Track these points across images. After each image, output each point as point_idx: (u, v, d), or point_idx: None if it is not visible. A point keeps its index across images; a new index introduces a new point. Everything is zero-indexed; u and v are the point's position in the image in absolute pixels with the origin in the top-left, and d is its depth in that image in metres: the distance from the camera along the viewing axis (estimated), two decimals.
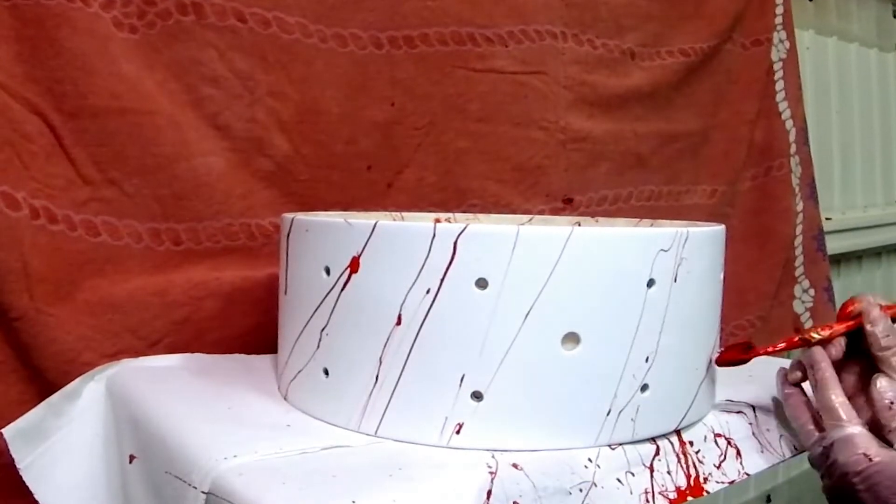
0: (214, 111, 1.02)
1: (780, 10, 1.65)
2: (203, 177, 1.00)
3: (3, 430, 0.85)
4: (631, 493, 0.68)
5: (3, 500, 0.89)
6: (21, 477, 0.85)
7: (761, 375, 0.92)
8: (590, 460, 0.67)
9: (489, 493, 0.62)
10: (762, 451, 0.78)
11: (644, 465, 0.70)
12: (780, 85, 1.65)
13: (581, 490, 0.66)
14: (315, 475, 0.63)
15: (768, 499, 1.97)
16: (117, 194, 0.96)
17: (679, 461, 0.72)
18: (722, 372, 0.82)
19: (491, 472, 0.64)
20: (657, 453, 0.71)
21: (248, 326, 1.03)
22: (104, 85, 0.94)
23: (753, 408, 0.81)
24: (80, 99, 0.93)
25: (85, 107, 0.93)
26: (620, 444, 0.70)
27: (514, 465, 0.65)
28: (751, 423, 0.79)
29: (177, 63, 0.99)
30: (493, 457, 0.66)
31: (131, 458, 0.78)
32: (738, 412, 0.80)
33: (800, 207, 1.69)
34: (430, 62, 1.17)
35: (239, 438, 0.70)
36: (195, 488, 0.64)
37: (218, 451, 0.66)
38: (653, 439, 0.72)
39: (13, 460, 0.85)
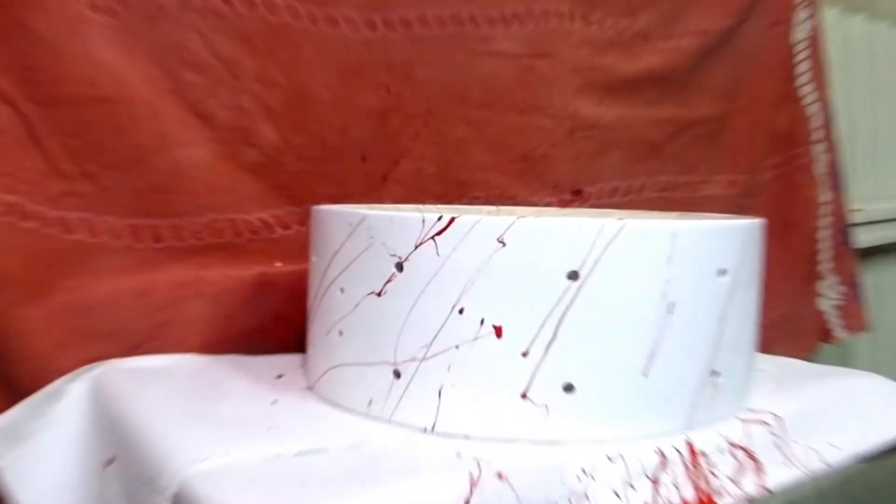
0: (197, 99, 1.01)
1: None
2: (185, 169, 1.00)
3: None
4: None
5: None
6: None
7: (789, 382, 0.92)
8: (583, 471, 0.67)
9: (467, 502, 0.62)
10: (788, 465, 0.78)
11: (647, 476, 0.70)
12: (803, 67, 1.65)
13: (570, 502, 0.66)
14: (285, 480, 0.64)
15: None
16: (94, 188, 0.96)
17: (688, 473, 0.71)
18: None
19: (472, 482, 0.63)
20: (663, 464, 0.71)
21: (236, 329, 1.03)
22: (79, 72, 0.93)
23: (779, 417, 0.80)
24: (54, 87, 0.92)
25: (59, 95, 0.93)
26: (620, 456, 0.70)
27: (499, 475, 0.65)
28: (774, 434, 0.79)
29: (157, 48, 0.99)
30: (478, 465, 0.66)
31: (110, 460, 0.79)
32: (762, 422, 0.79)
33: (826, 198, 1.69)
34: (428, 45, 1.17)
35: (214, 441, 0.70)
36: (163, 489, 0.65)
37: (190, 453, 0.67)
38: (659, 449, 0.72)
39: None
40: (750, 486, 0.72)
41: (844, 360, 2.12)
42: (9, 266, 0.90)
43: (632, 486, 0.68)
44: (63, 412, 0.88)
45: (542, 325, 0.70)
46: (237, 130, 1.04)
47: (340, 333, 0.80)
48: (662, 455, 0.70)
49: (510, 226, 0.70)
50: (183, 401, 0.83)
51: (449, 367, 0.72)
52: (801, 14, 1.64)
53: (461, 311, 0.71)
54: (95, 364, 0.92)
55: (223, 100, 1.03)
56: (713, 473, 0.71)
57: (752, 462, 0.74)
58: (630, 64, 1.38)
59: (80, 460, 0.86)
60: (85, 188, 0.95)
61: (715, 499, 0.70)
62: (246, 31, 1.03)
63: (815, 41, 1.67)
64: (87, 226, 0.96)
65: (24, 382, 0.90)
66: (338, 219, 0.80)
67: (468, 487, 0.63)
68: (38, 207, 0.93)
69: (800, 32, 1.64)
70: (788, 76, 1.63)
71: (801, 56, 1.65)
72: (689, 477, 0.70)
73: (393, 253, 0.74)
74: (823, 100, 1.68)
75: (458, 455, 0.68)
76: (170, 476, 0.66)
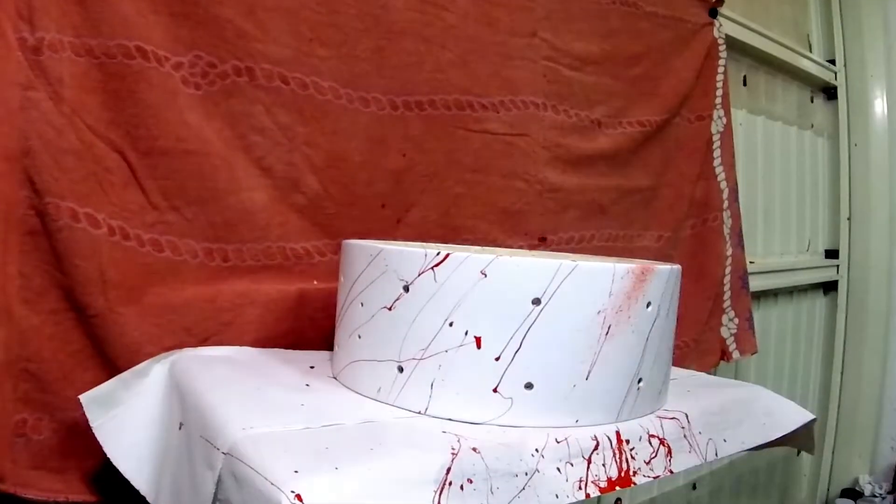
0: (260, 155, 1.01)
1: (719, 92, 1.65)
2: (249, 207, 1.00)
3: (80, 396, 0.83)
4: (567, 480, 0.67)
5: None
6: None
7: (695, 389, 0.91)
8: (536, 450, 0.67)
9: (448, 469, 0.62)
10: (689, 452, 0.77)
11: (583, 457, 0.69)
12: (717, 153, 1.65)
13: (526, 474, 0.65)
14: (312, 445, 0.63)
15: (694, 486, 1.96)
16: (179, 219, 0.95)
17: (614, 455, 0.71)
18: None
19: (453, 453, 0.63)
20: (596, 447, 0.71)
21: (280, 330, 1.02)
22: (172, 130, 0.93)
23: (687, 415, 0.80)
24: (152, 141, 0.92)
25: (155, 147, 0.93)
26: (565, 440, 0.69)
27: (473, 449, 0.64)
28: (683, 428, 0.78)
29: (231, 115, 0.98)
30: (458, 441, 0.65)
31: (180, 425, 0.78)
32: (674, 419, 0.79)
33: (729, 252, 1.68)
34: (435, 123, 1.17)
35: (259, 413, 0.70)
36: (218, 450, 0.65)
37: (240, 422, 0.67)
38: (594, 436, 0.71)
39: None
40: (660, 467, 0.72)
41: (737, 374, 2.12)
42: (113, 274, 0.89)
43: (570, 464, 0.67)
44: (146, 387, 0.86)
45: (511, 338, 0.69)
46: (289, 180, 1.03)
47: (359, 336, 0.80)
48: (596, 440, 0.70)
49: (491, 262, 0.70)
50: (238, 382, 0.82)
51: (440, 366, 0.71)
52: (718, 113, 1.65)
53: (451, 324, 0.71)
54: (174, 351, 0.91)
55: (279, 156, 1.02)
56: (633, 457, 0.71)
57: (664, 448, 0.74)
58: (587, 144, 1.39)
59: (158, 423, 0.84)
60: (172, 218, 0.95)
61: (632, 477, 0.69)
62: (299, 105, 1.03)
63: (727, 134, 1.67)
64: (172, 247, 0.95)
65: (119, 362, 0.89)
66: (362, 251, 0.80)
67: (450, 457, 0.62)
68: (136, 231, 0.92)
69: (716, 126, 1.64)
70: (706, 158, 1.63)
71: (717, 144, 1.65)
72: (615, 459, 0.70)
73: (402, 278, 0.74)
74: (731, 178, 1.68)
75: (444, 432, 0.68)
76: (224, 438, 0.65)
